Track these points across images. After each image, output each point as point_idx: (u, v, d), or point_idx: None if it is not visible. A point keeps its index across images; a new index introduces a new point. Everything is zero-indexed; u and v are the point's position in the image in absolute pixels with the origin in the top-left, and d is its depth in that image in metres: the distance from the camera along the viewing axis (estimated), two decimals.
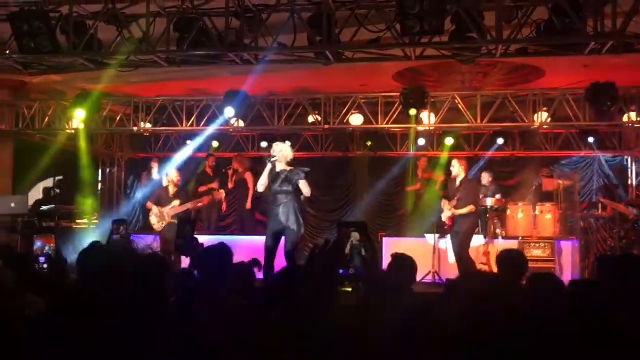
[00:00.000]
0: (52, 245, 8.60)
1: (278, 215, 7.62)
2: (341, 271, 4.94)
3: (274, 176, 7.69)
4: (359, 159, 13.77)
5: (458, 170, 8.89)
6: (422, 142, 12.51)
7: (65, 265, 3.85)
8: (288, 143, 8.03)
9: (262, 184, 7.76)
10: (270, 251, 7.59)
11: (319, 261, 2.28)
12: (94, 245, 4.67)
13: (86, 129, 11.63)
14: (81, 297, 3.17)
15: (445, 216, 8.93)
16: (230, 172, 12.29)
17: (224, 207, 12.44)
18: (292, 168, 7.76)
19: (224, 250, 4.21)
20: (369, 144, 12.83)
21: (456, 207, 8.78)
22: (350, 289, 5.77)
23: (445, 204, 8.95)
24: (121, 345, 1.97)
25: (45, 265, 6.40)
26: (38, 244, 8.68)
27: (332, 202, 14.51)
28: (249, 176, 11.89)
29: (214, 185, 11.31)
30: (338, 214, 14.26)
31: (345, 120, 11.19)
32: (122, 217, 10.83)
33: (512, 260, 4.79)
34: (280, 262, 7.42)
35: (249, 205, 11.85)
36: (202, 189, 11.66)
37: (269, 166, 7.71)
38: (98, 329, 1.99)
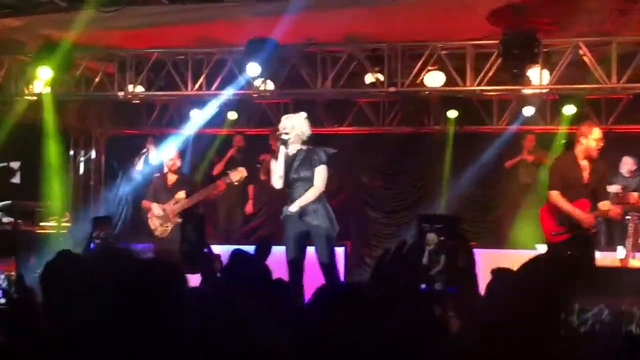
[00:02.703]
0: (9, 273, 8.63)
1: (299, 215, 7.77)
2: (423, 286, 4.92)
3: (288, 161, 7.85)
4: (438, 135, 13.67)
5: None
6: (529, 111, 12.36)
7: (31, 293, 3.90)
8: (303, 114, 8.11)
9: (279, 175, 7.88)
10: (295, 265, 7.74)
11: (393, 273, 2.26)
12: (63, 254, 4.73)
13: (53, 94, 11.82)
14: (50, 330, 3.22)
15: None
16: (263, 157, 12.37)
17: (250, 205, 12.53)
18: (310, 147, 7.91)
19: (249, 261, 4.29)
20: (453, 115, 12.72)
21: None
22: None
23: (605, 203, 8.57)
24: None
25: (2, 300, 6.49)
26: None
27: (397, 199, 14.47)
28: None
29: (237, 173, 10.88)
30: (404, 215, 14.21)
31: (418, 81, 11.12)
32: (105, 215, 10.97)
33: None
34: (312, 278, 7.52)
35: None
36: (218, 166, 11.66)
37: (282, 150, 7.84)
38: None
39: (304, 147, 7.86)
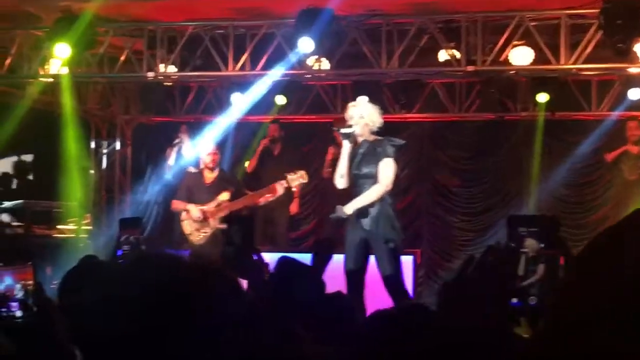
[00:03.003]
0: (26, 282, 8.76)
1: (359, 219, 7.80)
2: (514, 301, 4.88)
3: (352, 155, 7.90)
4: (526, 124, 13.57)
5: None
6: (635, 94, 12.20)
7: (51, 304, 3.94)
8: (364, 98, 8.09)
9: (342, 174, 7.93)
10: (355, 277, 7.77)
11: (477, 289, 2.22)
12: (87, 261, 4.78)
13: (71, 75, 11.96)
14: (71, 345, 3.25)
15: None
16: (332, 149, 12.41)
17: (295, 204, 12.51)
18: (378, 138, 7.90)
19: (302, 272, 4.29)
20: (543, 98, 12.60)
21: None
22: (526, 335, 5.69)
23: None
24: None
25: (19, 313, 6.59)
26: (6, 281, 8.87)
27: (476, 199, 14.41)
28: None
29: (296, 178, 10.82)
30: (485, 218, 14.13)
31: (501, 58, 11.05)
32: (134, 216, 11.04)
33: None
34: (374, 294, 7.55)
35: None
36: (252, 162, 11.59)
37: (346, 144, 7.89)
38: None
39: (371, 138, 7.85)
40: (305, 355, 3.29)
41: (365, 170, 7.80)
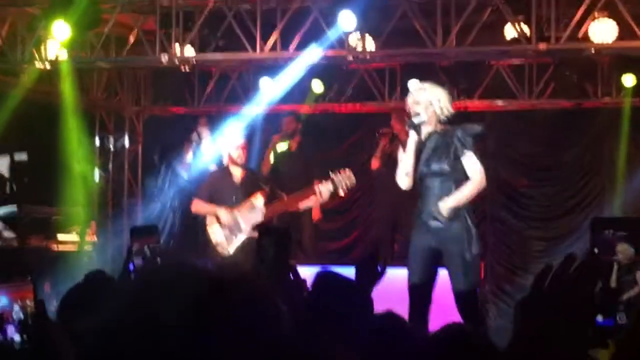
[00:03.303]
0: (27, 301, 8.84)
1: (428, 224, 7.79)
2: (600, 319, 4.86)
3: (418, 149, 7.89)
4: (609, 112, 13.53)
5: None
6: None
7: (55, 328, 3.91)
8: (428, 83, 8.09)
9: (407, 172, 7.92)
10: (420, 293, 7.76)
11: (555, 307, 2.22)
12: (94, 278, 4.82)
13: (72, 59, 12.04)
14: None
15: None
16: (383, 140, 12.40)
17: (317, 210, 12.38)
18: (448, 128, 7.89)
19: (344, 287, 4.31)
20: (630, 82, 12.56)
21: None
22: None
23: None
24: None
25: (17, 337, 6.65)
26: (2, 301, 8.94)
27: (551, 202, 14.39)
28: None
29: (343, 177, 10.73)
30: (562, 224, 14.09)
31: (579, 34, 11.00)
32: (147, 224, 11.04)
33: None
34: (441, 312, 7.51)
35: None
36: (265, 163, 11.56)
37: (412, 136, 7.87)
38: None
39: (440, 128, 7.86)
40: None
41: (435, 167, 7.78)
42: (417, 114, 7.78)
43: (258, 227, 9.53)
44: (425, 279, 7.78)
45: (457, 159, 7.70)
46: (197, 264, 2.11)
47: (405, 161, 7.90)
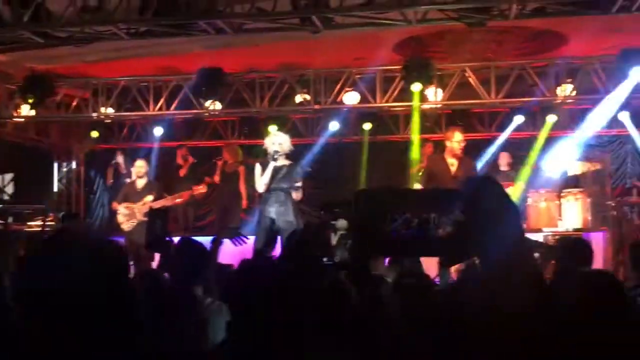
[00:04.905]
0: None
1: (271, 214, 7.80)
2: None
3: (274, 171, 7.83)
4: (355, 145, 13.46)
5: None
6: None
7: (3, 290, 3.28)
8: (274, 129, 8.09)
9: (265, 183, 7.88)
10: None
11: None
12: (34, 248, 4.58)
13: (37, 116, 11.58)
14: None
15: None
16: (220, 163, 12.21)
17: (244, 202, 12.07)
18: (291, 163, 7.89)
19: (196, 247, 4.19)
20: (367, 127, 12.63)
21: None
22: None
23: None
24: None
25: None
26: None
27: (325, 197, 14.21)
28: (242, 170, 11.69)
29: (201, 187, 10.90)
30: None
31: (338, 99, 11.13)
32: (71, 211, 10.72)
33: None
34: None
35: (244, 203, 11.65)
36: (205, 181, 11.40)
37: (272, 164, 7.81)
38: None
39: (287, 162, 7.96)
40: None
41: (282, 185, 7.82)
42: (275, 153, 7.76)
43: (150, 212, 9.36)
44: (268, 247, 7.73)
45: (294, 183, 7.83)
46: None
47: (265, 177, 7.86)
